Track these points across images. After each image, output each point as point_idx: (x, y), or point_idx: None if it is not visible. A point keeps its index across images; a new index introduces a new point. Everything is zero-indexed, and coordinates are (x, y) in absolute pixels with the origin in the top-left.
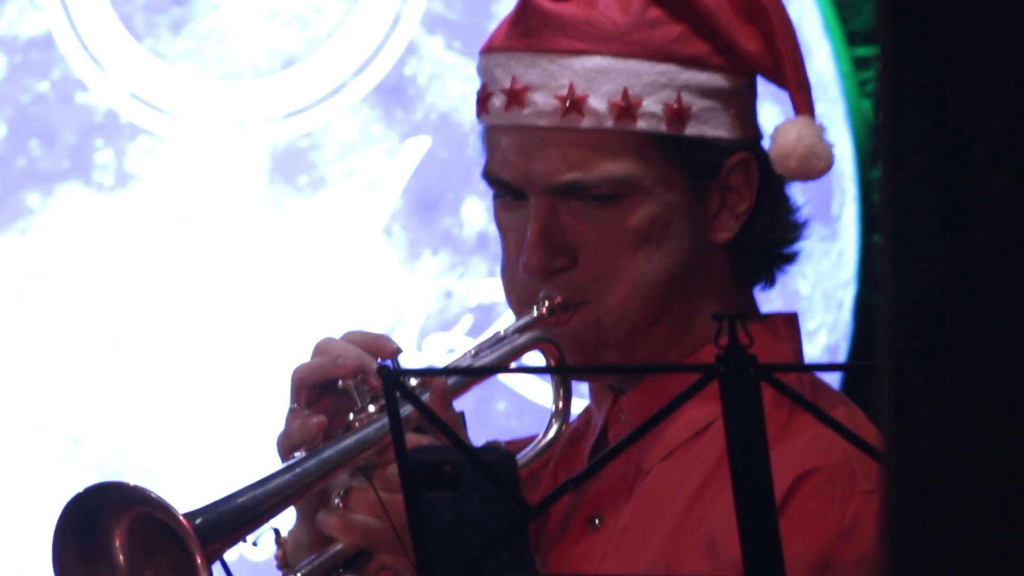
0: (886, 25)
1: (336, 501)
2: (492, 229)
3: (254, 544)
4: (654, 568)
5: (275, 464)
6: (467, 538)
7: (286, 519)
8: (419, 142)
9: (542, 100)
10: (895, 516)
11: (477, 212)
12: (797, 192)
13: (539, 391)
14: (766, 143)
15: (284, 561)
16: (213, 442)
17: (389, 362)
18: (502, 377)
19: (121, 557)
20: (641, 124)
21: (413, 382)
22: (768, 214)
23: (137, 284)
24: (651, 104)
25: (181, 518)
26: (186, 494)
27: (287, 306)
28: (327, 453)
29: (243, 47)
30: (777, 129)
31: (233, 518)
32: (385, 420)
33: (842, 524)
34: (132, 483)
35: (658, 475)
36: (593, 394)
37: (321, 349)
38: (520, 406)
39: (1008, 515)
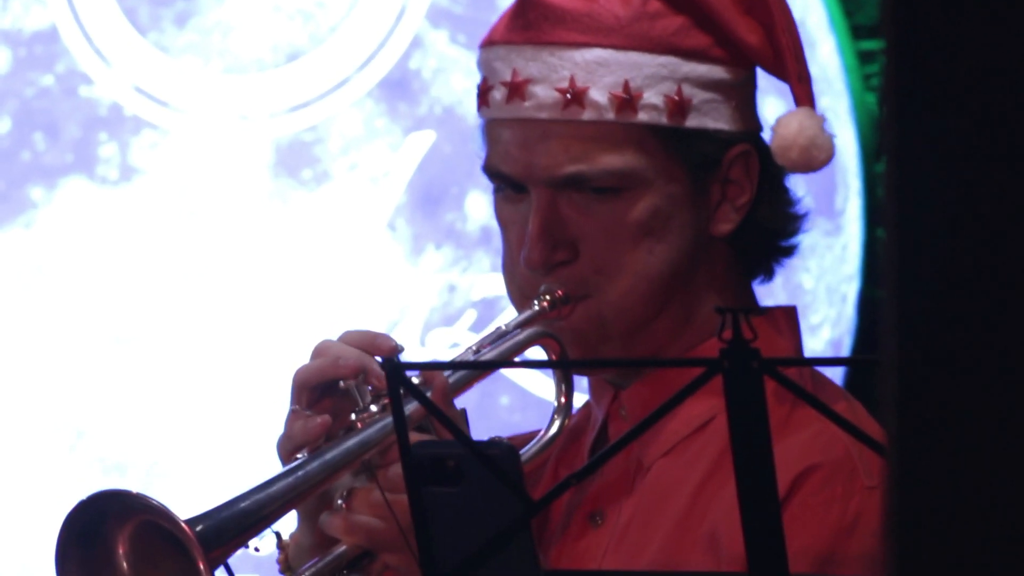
0: (891, 19)
1: (339, 502)
2: (496, 223)
3: (256, 550)
4: (656, 564)
5: (277, 460)
6: (470, 533)
7: (287, 522)
8: (423, 136)
9: (543, 93)
10: (899, 511)
11: (481, 206)
12: (799, 185)
13: (543, 385)
14: (767, 135)
15: (286, 565)
16: (217, 436)
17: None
18: (505, 371)
19: (125, 565)
20: (642, 116)
21: (416, 380)
22: (768, 206)
23: (141, 278)
24: (652, 96)
25: (183, 525)
26: (189, 488)
27: (290, 300)
28: (330, 454)
29: (247, 41)
30: (778, 120)
31: (235, 523)
32: (387, 420)
33: (844, 520)
34: (134, 490)
35: (659, 471)
36: (592, 389)
37: (320, 350)
38: (524, 400)
39: (1012, 510)
